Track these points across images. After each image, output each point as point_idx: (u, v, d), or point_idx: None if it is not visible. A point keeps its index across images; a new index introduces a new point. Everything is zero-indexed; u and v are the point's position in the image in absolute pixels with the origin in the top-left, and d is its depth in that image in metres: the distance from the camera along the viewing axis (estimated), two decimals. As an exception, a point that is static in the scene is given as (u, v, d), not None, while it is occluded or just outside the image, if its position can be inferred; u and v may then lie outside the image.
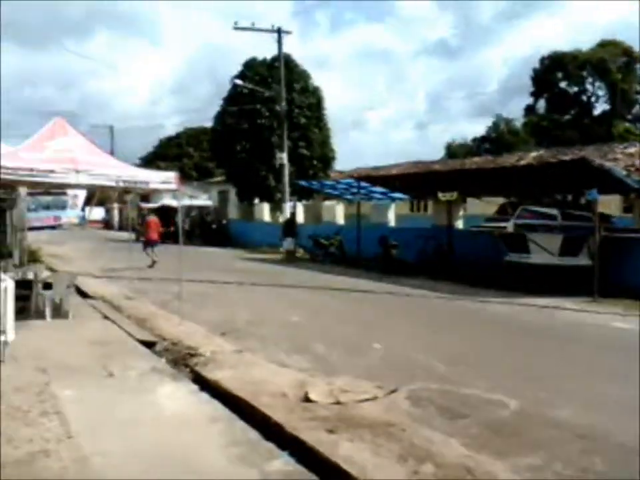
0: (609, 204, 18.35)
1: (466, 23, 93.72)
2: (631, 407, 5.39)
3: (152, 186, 10.28)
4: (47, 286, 9.63)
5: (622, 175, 13.83)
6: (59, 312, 9.52)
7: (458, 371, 6.74)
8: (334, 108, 79.69)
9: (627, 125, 48.87)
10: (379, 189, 21.71)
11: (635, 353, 7.31)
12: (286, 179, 27.29)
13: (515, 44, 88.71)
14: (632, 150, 25.56)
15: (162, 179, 10.22)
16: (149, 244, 18.06)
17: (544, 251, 13.74)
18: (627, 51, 47.84)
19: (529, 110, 54.55)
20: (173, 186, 10.19)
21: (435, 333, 9.07)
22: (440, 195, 17.54)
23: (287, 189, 27.25)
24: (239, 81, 29.62)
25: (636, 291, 12.28)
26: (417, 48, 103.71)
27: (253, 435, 4.93)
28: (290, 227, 23.78)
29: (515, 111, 56.73)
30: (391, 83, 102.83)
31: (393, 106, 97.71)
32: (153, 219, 19.66)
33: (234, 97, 30.60)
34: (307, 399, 5.50)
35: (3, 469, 4.04)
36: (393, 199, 23.06)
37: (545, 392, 5.98)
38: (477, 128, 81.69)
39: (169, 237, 22.67)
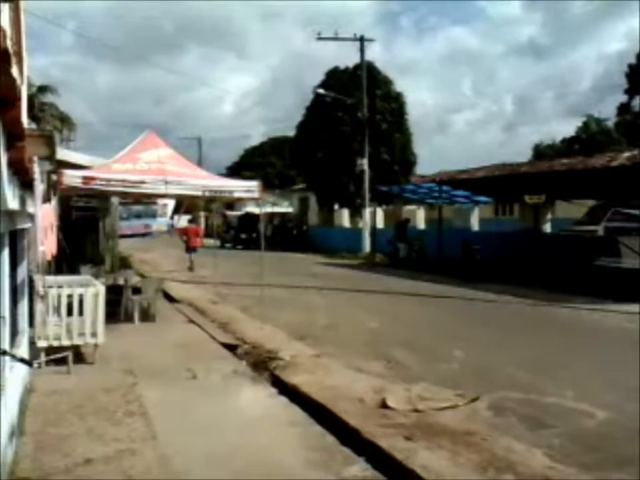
0: None
1: (556, 21, 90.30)
2: None
3: (236, 195, 10.56)
4: (136, 291, 10.10)
5: None
6: (147, 316, 9.96)
7: (542, 379, 6.47)
8: (418, 112, 79.04)
9: None
10: (461, 192, 21.32)
11: None
12: (366, 184, 27.33)
13: (608, 40, 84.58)
14: None
15: (245, 188, 10.48)
16: (190, 250, 18.74)
17: (636, 255, 13.00)
18: None
19: (623, 108, 51.78)
20: (256, 194, 10.42)
21: (517, 341, 8.76)
22: (527, 197, 17.00)
23: (367, 195, 27.26)
24: (321, 90, 30.02)
25: None
26: (505, 49, 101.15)
27: (330, 439, 4.95)
28: (402, 231, 23.26)
29: (608, 110, 53.87)
30: (477, 85, 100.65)
31: (479, 108, 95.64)
32: (192, 227, 20.42)
33: (316, 106, 31.08)
34: (385, 406, 5.46)
35: (94, 465, 4.27)
36: (477, 203, 22.55)
37: (635, 403, 5.64)
38: (567, 128, 77.97)
39: (253, 242, 23.18)
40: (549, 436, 4.76)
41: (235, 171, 53.95)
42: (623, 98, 50.72)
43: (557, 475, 3.92)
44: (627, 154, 30.00)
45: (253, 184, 10.51)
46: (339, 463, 4.43)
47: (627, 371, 7.06)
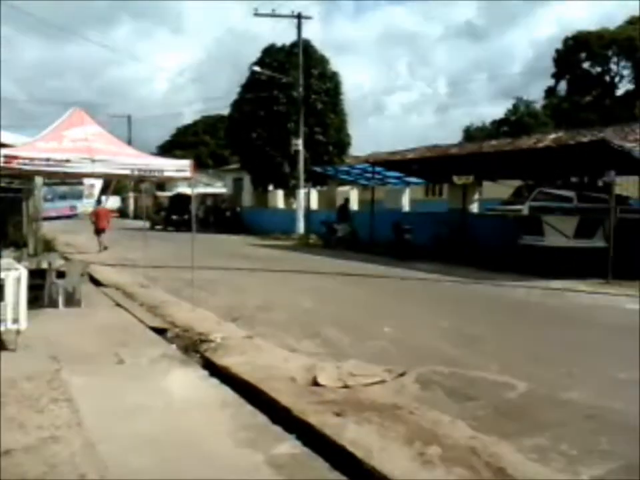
0: (628, 186, 18.02)
1: (492, 4, 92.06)
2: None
3: (166, 174, 10.26)
4: (61, 274, 9.72)
5: (641, 156, 13.57)
6: (72, 300, 9.61)
7: (468, 353, 6.70)
8: (354, 93, 79.32)
9: (653, 104, 47.98)
10: (393, 173, 21.63)
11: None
12: (301, 165, 27.29)
13: (541, 25, 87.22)
14: (653, 130, 25.14)
15: (176, 167, 10.21)
16: (98, 232, 19.07)
17: (559, 234, 13.60)
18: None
19: (550, 92, 53.76)
20: (188, 174, 10.16)
21: (445, 317, 9.01)
22: (455, 178, 17.42)
23: (302, 176, 27.23)
24: (257, 68, 29.58)
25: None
26: (443, 30, 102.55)
27: (262, 419, 4.95)
28: (344, 212, 23.18)
29: (538, 93, 55.86)
30: (413, 67, 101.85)
31: (414, 90, 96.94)
32: (101, 209, 20.63)
33: (252, 84, 30.62)
34: (316, 383, 5.50)
35: (14, 455, 4.10)
36: (408, 184, 22.94)
37: (555, 374, 5.94)
38: (498, 111, 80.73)
39: (184, 224, 22.75)
40: (473, 408, 4.93)
41: (167, 150, 52.76)
42: (551, 82, 52.73)
43: (480, 445, 4.06)
44: (552, 136, 31.34)
45: (185, 163, 10.27)
46: (269, 441, 4.43)
47: (546, 343, 7.42)
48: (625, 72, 49.39)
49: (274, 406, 5.08)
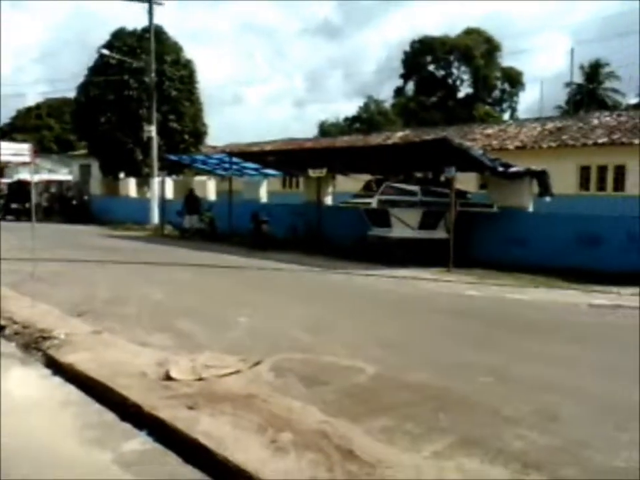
0: (468, 181, 19.53)
1: (349, 3, 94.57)
2: (480, 366, 5.84)
3: (2, 158, 9.47)
4: None
5: (478, 154, 14.79)
6: None
7: (321, 340, 6.90)
8: (210, 83, 78.00)
9: (487, 107, 52.47)
10: (251, 165, 21.62)
11: (482, 317, 7.91)
12: (154, 152, 26.36)
13: (394, 26, 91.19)
14: (490, 131, 27.54)
15: (13, 151, 9.48)
16: None
17: (405, 225, 14.43)
18: (488, 40, 51.27)
19: (398, 92, 56.70)
20: (27, 158, 9.44)
21: (300, 305, 9.21)
22: (310, 171, 17.80)
23: (156, 164, 26.34)
24: (105, 51, 28.09)
25: (487, 261, 13.31)
26: (302, 25, 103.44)
27: (110, 417, 4.74)
28: (191, 203, 22.40)
29: (390, 93, 58.73)
30: (272, 60, 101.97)
31: (273, 83, 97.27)
32: None
33: (101, 67, 29.03)
34: (168, 377, 5.36)
35: None
36: (266, 175, 23.04)
37: (402, 357, 6.30)
38: (352, 108, 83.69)
39: (25, 213, 21.04)
40: (324, 392, 5.07)
41: (6, 133, 48.27)
42: (400, 82, 55.63)
43: (330, 429, 4.20)
44: (400, 133, 33.13)
45: (23, 147, 9.54)
46: (117, 439, 4.25)
47: (394, 329, 7.84)
48: (465, 76, 53.50)
49: (123, 403, 4.88)
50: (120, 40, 29.24)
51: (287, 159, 20.01)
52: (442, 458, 3.80)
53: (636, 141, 20.57)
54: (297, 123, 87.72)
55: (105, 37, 30.05)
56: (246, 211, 19.49)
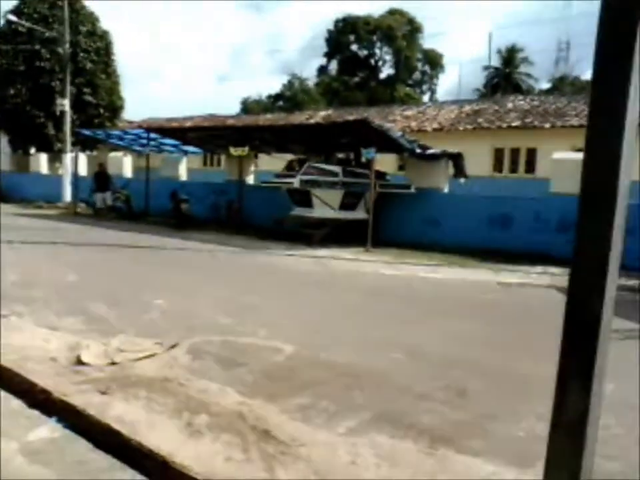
0: (387, 162, 19.90)
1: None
2: (393, 344, 6.02)
3: None
4: None
5: (397, 135, 15.06)
6: None
7: (240, 321, 6.88)
8: (128, 55, 75.07)
9: (408, 89, 53.42)
10: (170, 141, 21.08)
11: (397, 296, 8.13)
12: (67, 127, 25.22)
13: (320, 4, 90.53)
14: (409, 113, 28.06)
15: None
16: None
17: (326, 206, 14.55)
18: (411, 21, 52.00)
19: (322, 70, 56.69)
20: None
21: (220, 287, 9.14)
22: (232, 149, 17.56)
23: (69, 138, 25.23)
24: (13, 17, 26.38)
25: (405, 241, 13.67)
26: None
27: (15, 404, 4.55)
28: (101, 180, 21.46)
29: (310, 71, 58.73)
30: (193, 33, 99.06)
31: (195, 58, 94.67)
32: None
33: (8, 35, 27.28)
34: (80, 362, 5.20)
35: None
36: (186, 152, 22.54)
37: (319, 336, 6.40)
38: (277, 85, 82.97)
39: None
40: (242, 374, 5.09)
41: None
42: (323, 61, 55.58)
43: (247, 409, 4.22)
44: (323, 113, 33.16)
45: None
46: (23, 427, 4.09)
47: (310, 307, 7.94)
48: (387, 57, 54.16)
49: (30, 389, 4.70)
50: (30, 6, 27.57)
51: (208, 135, 19.64)
52: (355, 435, 3.92)
53: (547, 125, 21.57)
54: (219, 98, 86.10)
55: (12, 2, 28.33)
56: (164, 189, 19.04)
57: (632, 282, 9.78)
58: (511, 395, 4.84)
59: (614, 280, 1.74)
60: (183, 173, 22.92)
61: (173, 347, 5.70)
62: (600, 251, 1.70)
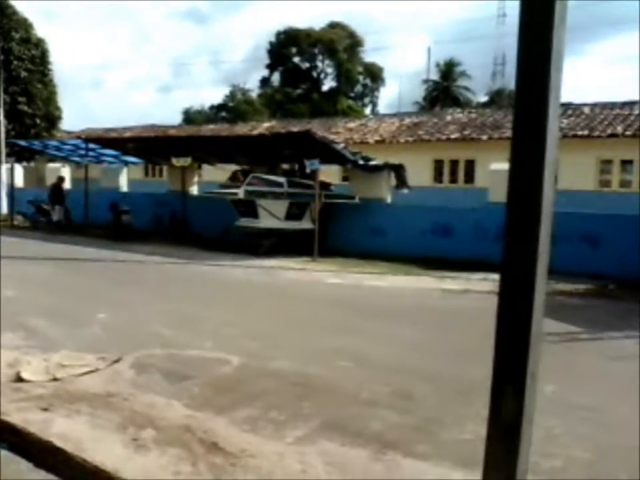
0: (332, 173, 20.07)
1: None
2: (340, 352, 6.08)
3: None
4: None
5: (340, 147, 15.28)
6: None
7: (185, 334, 6.80)
8: (66, 65, 73.15)
9: (350, 102, 54.06)
10: (110, 151, 20.64)
11: (343, 304, 8.21)
12: (2, 137, 24.33)
13: (263, 16, 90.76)
14: (352, 125, 28.43)
15: None
16: None
17: (271, 216, 14.57)
18: (351, 35, 52.75)
19: (264, 82, 56.72)
20: None
21: (164, 300, 9.00)
22: (174, 160, 17.37)
23: (3, 149, 24.37)
24: None
25: (350, 250, 13.84)
26: (167, 10, 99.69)
27: (-50, 426, 4.36)
28: (58, 193, 20.48)
29: (253, 83, 58.76)
30: (134, 43, 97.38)
31: (135, 67, 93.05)
32: None
33: None
34: (19, 379, 5.03)
35: None
36: (126, 163, 22.09)
37: (265, 346, 6.39)
38: (218, 96, 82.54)
39: None
40: (189, 386, 5.03)
41: None
42: (266, 72, 55.64)
43: (194, 422, 4.18)
44: (266, 124, 33.15)
45: None
46: (-42, 450, 3.94)
47: (258, 318, 7.91)
48: (329, 70, 54.74)
49: (-33, 409, 4.52)
50: (-43, 11, 26.58)
51: (148, 146, 19.32)
52: (304, 443, 3.94)
53: (485, 137, 22.26)
54: (160, 109, 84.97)
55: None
56: (104, 200, 18.61)
57: (569, 286, 10.21)
58: (457, 399, 4.97)
59: (542, 284, 1.82)
60: (123, 184, 22.43)
61: (116, 361, 5.58)
62: (527, 259, 1.78)
